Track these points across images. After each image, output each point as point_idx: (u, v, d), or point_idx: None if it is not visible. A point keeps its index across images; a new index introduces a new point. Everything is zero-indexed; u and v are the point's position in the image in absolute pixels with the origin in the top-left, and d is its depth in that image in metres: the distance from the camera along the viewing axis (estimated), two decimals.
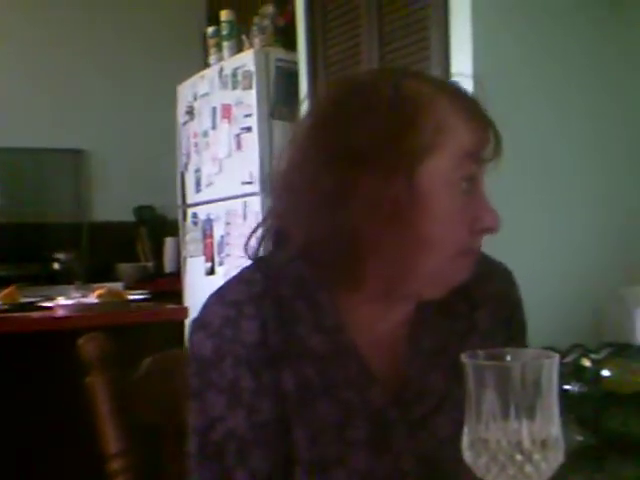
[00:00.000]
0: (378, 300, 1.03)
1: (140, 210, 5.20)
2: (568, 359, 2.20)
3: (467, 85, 1.06)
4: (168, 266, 5.08)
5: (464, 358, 0.76)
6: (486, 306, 1.10)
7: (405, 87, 0.98)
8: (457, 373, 0.76)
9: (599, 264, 2.80)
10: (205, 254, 4.21)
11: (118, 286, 4.00)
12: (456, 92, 1.01)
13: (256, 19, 4.05)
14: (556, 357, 0.75)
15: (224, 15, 4.17)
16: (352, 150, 0.95)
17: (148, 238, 5.18)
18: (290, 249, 1.00)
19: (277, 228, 1.04)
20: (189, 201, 4.41)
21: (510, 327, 1.13)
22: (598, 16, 2.80)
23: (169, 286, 4.52)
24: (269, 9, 4.10)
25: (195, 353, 1.01)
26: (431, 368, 1.04)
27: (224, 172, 4.05)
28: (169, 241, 5.06)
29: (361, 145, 0.94)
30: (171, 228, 4.87)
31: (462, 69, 2.66)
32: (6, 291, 2.83)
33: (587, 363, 2.17)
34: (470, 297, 1.09)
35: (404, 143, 0.95)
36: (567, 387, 2.14)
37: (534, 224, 2.73)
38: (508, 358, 0.77)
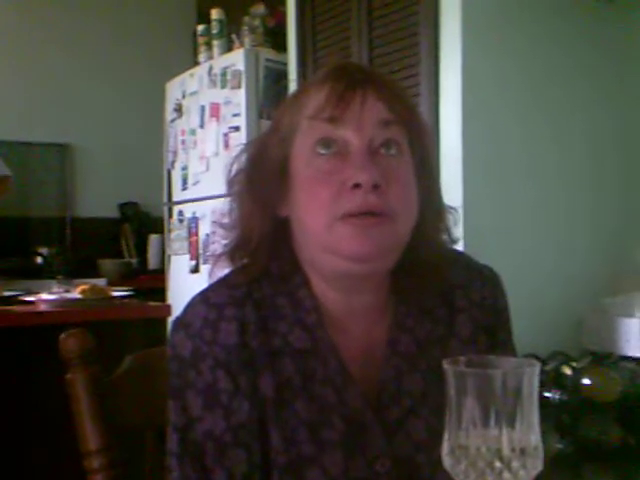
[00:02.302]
0: (328, 285, 1.04)
1: (125, 206, 5.19)
2: (549, 366, 2.21)
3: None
4: (152, 263, 5.07)
5: (445, 364, 0.77)
6: (468, 311, 1.10)
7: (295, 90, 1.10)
8: (435, 377, 0.76)
9: (582, 273, 2.82)
10: (190, 252, 4.20)
11: (101, 282, 3.99)
12: (325, 72, 1.04)
13: (246, 19, 4.05)
14: (537, 366, 0.76)
15: (214, 14, 4.16)
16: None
17: (132, 235, 5.16)
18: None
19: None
20: (175, 199, 4.40)
21: (494, 333, 1.12)
22: (594, 33, 2.82)
23: (152, 283, 4.51)
24: (260, 9, 4.10)
25: (175, 353, 1.02)
26: (408, 371, 1.05)
27: (211, 171, 4.04)
28: (153, 238, 5.04)
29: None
30: (155, 225, 4.87)
31: (451, 74, 2.67)
32: None
33: (567, 371, 2.18)
34: (451, 302, 1.09)
35: (281, 128, 1.04)
36: (547, 394, 2.16)
37: (520, 231, 2.75)
38: (489, 366, 0.77)
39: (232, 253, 1.06)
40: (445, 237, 1.09)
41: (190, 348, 1.00)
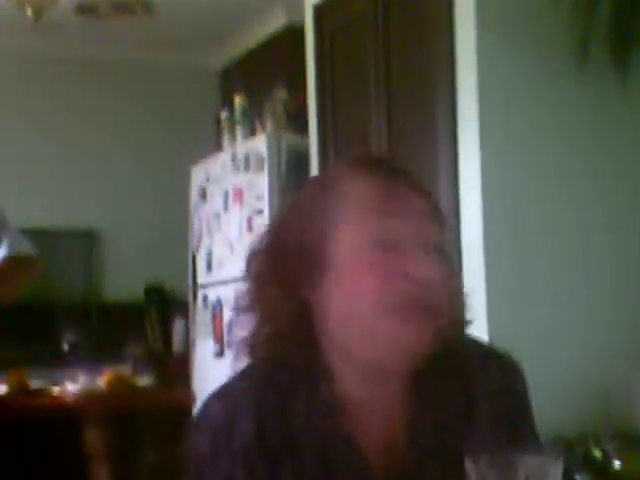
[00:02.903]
0: (355, 373, 1.03)
1: (150, 290, 5.21)
2: (577, 449, 2.17)
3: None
4: (177, 347, 5.06)
5: (467, 462, 0.76)
6: (487, 399, 1.08)
7: (325, 175, 1.14)
8: (456, 466, 0.76)
9: (607, 349, 2.79)
10: (214, 336, 4.20)
11: (126, 369, 3.99)
12: (360, 163, 1.07)
13: (268, 104, 4.13)
14: (561, 462, 0.75)
15: (237, 100, 4.25)
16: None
17: (157, 318, 5.18)
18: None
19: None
20: (200, 282, 4.43)
21: (515, 421, 1.10)
22: (599, 91, 2.85)
23: (178, 368, 4.50)
24: (282, 94, 4.19)
25: (193, 449, 1.01)
26: (429, 461, 1.03)
27: (235, 253, 4.07)
28: (178, 321, 5.05)
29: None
30: (181, 308, 4.88)
31: (469, 148, 2.71)
32: (15, 376, 2.83)
33: (597, 454, 2.14)
34: (471, 389, 1.08)
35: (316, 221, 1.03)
36: (577, 478, 2.11)
37: (542, 309, 2.73)
38: (512, 464, 0.77)
39: (254, 340, 1.06)
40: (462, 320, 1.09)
41: (208, 444, 0.99)
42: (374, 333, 0.98)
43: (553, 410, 2.29)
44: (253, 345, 1.06)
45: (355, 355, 1.02)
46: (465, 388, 1.08)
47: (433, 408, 1.06)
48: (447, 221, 1.08)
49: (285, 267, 1.04)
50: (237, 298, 1.08)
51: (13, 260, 2.78)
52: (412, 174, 1.07)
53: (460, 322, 1.08)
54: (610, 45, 2.58)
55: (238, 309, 1.07)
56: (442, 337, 1.01)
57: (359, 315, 0.99)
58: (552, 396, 2.37)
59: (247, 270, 1.07)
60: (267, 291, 1.05)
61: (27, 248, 2.84)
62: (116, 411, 2.42)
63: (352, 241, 1.01)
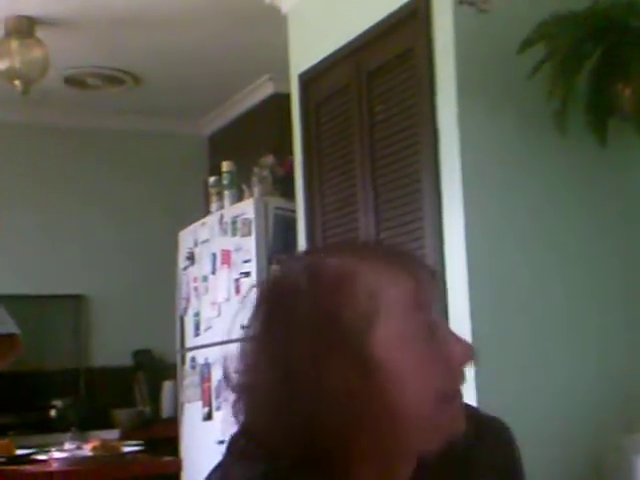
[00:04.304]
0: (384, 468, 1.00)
1: (138, 354, 5.20)
2: None
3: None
4: (165, 411, 5.03)
5: None
6: (487, 471, 1.08)
7: (324, 270, 0.96)
8: None
9: (597, 413, 2.79)
10: (203, 399, 4.19)
11: (114, 434, 3.97)
12: (379, 250, 1.06)
13: (256, 169, 4.18)
14: None
15: (225, 166, 4.31)
16: (296, 363, 0.92)
17: (146, 382, 5.16)
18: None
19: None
20: (188, 345, 4.43)
21: None
22: (594, 171, 2.91)
23: (166, 432, 4.48)
24: (269, 160, 4.25)
25: None
26: None
27: (223, 316, 4.08)
28: (167, 385, 5.03)
29: (303, 356, 0.92)
30: (169, 372, 4.87)
31: (454, 213, 2.75)
32: (1, 443, 2.82)
33: None
34: (469, 462, 1.07)
35: (340, 325, 0.92)
36: None
37: (532, 374, 2.75)
38: None
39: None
40: None
41: None
42: (435, 422, 0.97)
43: (544, 475, 2.29)
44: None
45: (400, 448, 0.98)
46: (464, 460, 1.06)
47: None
48: None
49: None
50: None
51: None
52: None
53: None
54: (589, 112, 2.65)
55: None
56: None
57: (415, 408, 0.95)
58: (542, 460, 2.37)
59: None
60: None
61: (11, 327, 2.87)
62: (102, 478, 2.42)
63: (395, 337, 0.95)
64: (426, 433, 0.97)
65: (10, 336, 2.82)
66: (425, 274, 1.01)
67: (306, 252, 1.13)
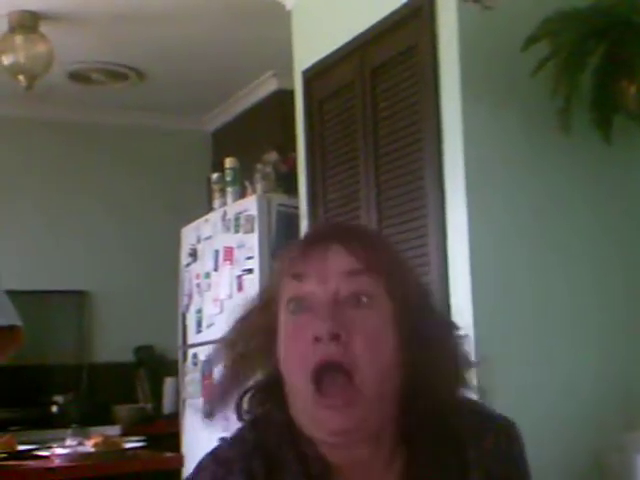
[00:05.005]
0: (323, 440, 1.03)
1: (140, 350, 5.20)
2: None
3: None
4: (167, 407, 5.03)
5: None
6: (482, 462, 1.08)
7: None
8: None
9: (599, 411, 2.79)
10: (204, 395, 4.19)
11: (115, 430, 3.97)
12: (308, 231, 1.13)
13: (259, 166, 4.18)
14: None
15: (228, 162, 4.30)
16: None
17: (147, 378, 5.16)
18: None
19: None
20: (190, 341, 4.43)
21: None
22: (598, 169, 2.91)
23: (168, 428, 4.48)
24: (272, 156, 4.24)
25: None
26: None
27: (225, 313, 4.08)
28: (169, 381, 5.03)
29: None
30: (171, 368, 4.87)
31: (457, 209, 2.74)
32: (3, 439, 2.83)
33: None
34: (464, 452, 1.08)
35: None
36: None
37: (534, 371, 2.74)
38: None
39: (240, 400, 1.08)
40: (456, 380, 1.10)
41: None
42: (310, 416, 1.01)
43: (545, 474, 2.29)
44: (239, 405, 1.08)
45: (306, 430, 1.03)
46: (459, 453, 1.07)
47: (427, 473, 1.05)
48: (403, 274, 1.07)
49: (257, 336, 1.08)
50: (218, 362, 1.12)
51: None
52: (356, 234, 1.08)
53: (448, 385, 1.08)
54: (593, 109, 2.65)
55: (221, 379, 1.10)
56: (374, 397, 1.00)
57: (296, 386, 1.01)
58: (543, 459, 2.36)
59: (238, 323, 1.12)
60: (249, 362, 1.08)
61: (13, 318, 2.85)
62: (103, 474, 2.42)
63: (280, 310, 1.05)
64: (307, 417, 1.01)
65: (11, 328, 2.80)
66: (308, 245, 1.04)
67: None
